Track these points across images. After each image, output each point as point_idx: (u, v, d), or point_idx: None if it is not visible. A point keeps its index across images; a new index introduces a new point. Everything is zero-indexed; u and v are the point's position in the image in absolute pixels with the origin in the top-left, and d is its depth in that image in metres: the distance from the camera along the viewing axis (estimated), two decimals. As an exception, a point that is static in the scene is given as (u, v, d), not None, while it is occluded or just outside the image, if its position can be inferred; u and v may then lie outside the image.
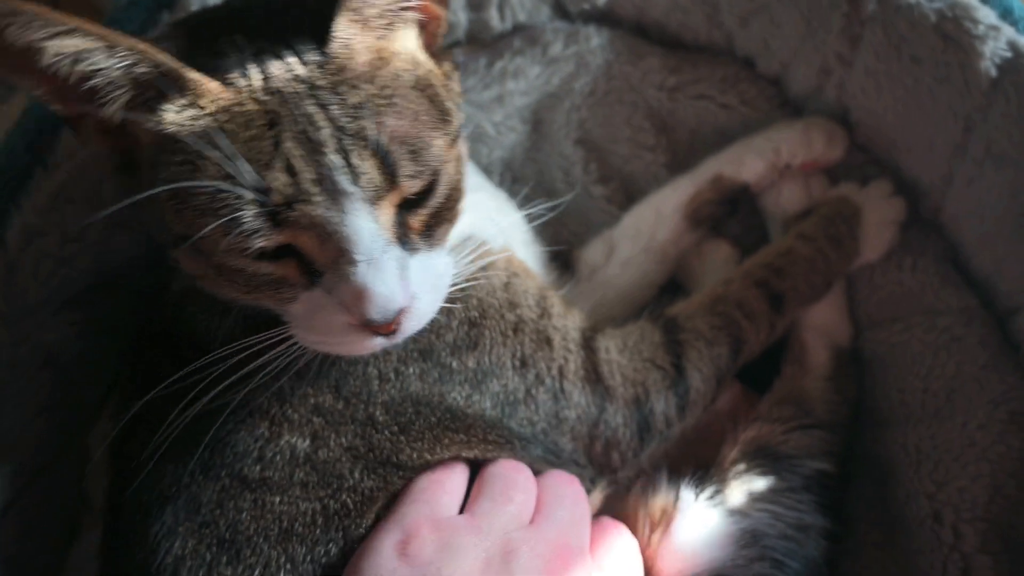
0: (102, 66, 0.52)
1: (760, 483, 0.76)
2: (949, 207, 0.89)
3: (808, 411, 0.81)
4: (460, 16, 0.95)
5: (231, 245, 0.54)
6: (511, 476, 0.66)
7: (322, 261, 0.56)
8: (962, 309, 0.86)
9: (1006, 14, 0.81)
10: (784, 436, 0.79)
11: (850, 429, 0.86)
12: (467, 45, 0.98)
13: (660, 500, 0.74)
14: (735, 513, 0.74)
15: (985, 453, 0.79)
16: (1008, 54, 0.79)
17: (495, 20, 0.96)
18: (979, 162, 0.83)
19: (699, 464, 0.78)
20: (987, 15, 0.80)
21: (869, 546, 0.83)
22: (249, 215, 0.52)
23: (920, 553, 0.78)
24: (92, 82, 0.53)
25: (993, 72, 0.80)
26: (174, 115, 0.54)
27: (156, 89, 0.54)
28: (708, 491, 0.76)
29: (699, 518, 0.73)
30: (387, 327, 0.57)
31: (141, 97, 0.55)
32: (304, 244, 0.55)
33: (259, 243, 0.53)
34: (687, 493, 0.75)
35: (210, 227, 0.52)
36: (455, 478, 0.65)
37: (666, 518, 0.72)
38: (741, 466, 0.77)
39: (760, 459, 0.78)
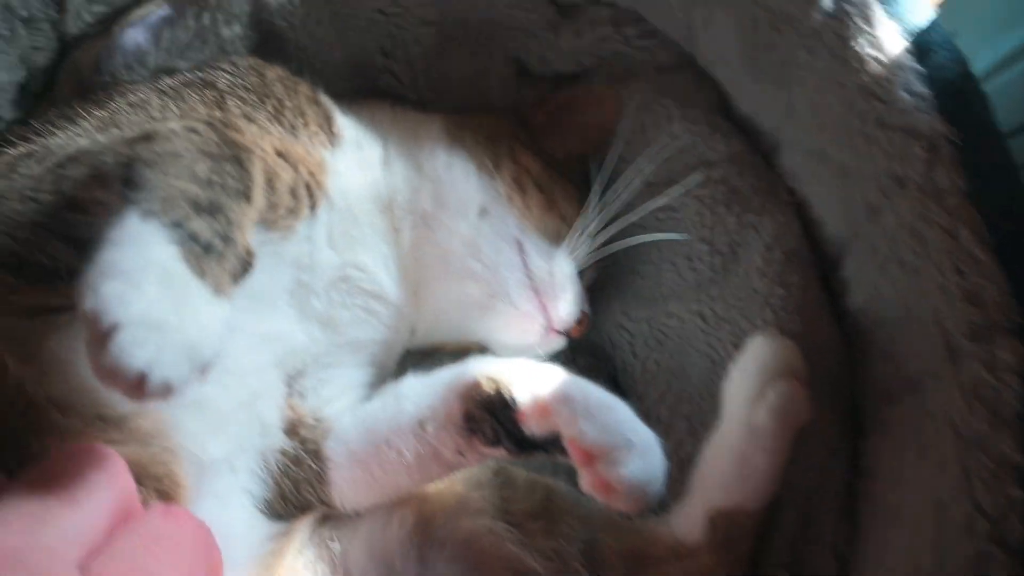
0: None
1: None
2: (700, 54, 0.86)
3: None
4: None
5: None
6: None
7: None
8: (732, 156, 0.84)
9: None
10: None
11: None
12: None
13: None
14: None
15: (767, 300, 0.78)
16: None
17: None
18: (707, 4, 0.79)
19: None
20: None
21: (679, 421, 0.83)
22: None
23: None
24: None
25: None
26: None
27: None
28: None
29: None
30: None
31: None
32: None
33: None
34: None
35: None
36: None
37: None
38: None
39: None
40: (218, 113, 0.71)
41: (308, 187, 0.70)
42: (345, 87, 0.93)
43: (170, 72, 0.85)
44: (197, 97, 0.72)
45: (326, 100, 0.82)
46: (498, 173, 0.82)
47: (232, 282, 0.51)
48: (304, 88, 0.80)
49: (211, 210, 0.51)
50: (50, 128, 0.70)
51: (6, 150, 0.68)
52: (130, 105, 0.71)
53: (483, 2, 0.90)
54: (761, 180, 0.83)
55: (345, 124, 0.82)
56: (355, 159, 0.79)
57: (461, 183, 0.82)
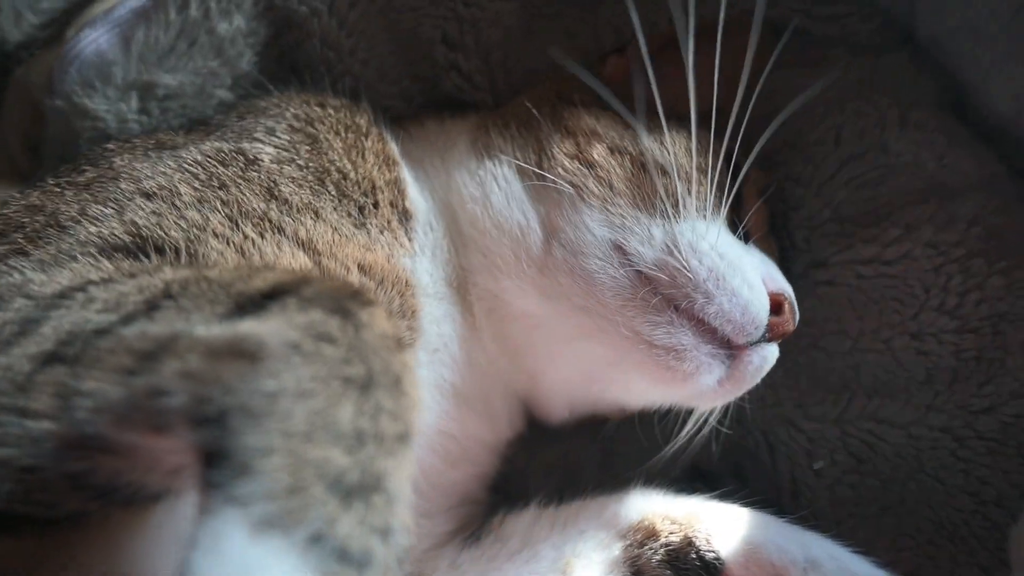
0: None
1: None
2: (925, 28, 0.57)
3: None
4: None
5: None
6: None
7: None
8: (985, 181, 0.58)
9: None
10: None
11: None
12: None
13: None
14: None
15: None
16: None
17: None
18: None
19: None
20: None
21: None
22: None
23: None
24: None
25: None
26: None
27: None
28: None
29: None
30: None
31: None
32: None
33: None
34: None
35: None
36: None
37: None
38: None
39: None
40: (275, 208, 0.48)
41: (403, 312, 0.49)
42: (395, 96, 0.67)
43: (146, 90, 0.60)
44: (242, 182, 0.48)
45: (397, 153, 0.58)
46: (547, 163, 0.54)
47: None
48: (370, 141, 0.56)
49: (363, 490, 0.29)
50: (18, 238, 0.44)
51: None
52: (146, 196, 0.46)
53: (589, -38, 0.62)
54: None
55: (415, 194, 0.57)
56: (430, 250, 0.56)
57: (505, 213, 0.54)
